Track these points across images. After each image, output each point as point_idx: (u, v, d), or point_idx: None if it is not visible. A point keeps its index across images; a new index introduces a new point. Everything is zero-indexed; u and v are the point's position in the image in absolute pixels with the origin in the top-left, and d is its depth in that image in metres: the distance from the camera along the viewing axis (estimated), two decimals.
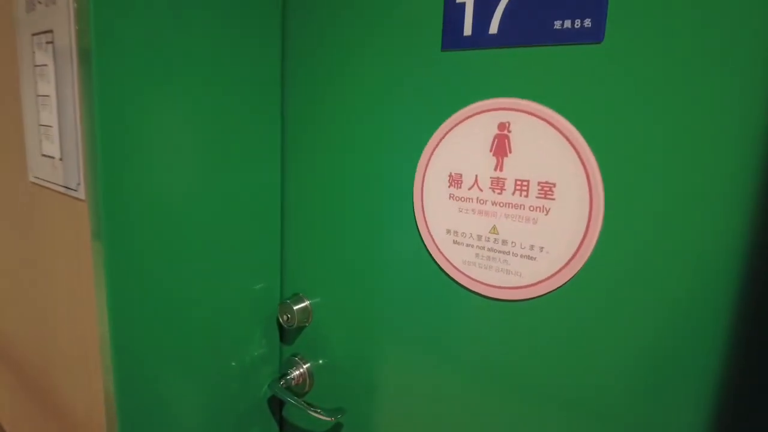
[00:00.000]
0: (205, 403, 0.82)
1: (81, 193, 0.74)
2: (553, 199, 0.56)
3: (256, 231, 0.84)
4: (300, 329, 0.87)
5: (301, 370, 0.87)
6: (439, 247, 0.66)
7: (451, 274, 0.66)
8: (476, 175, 0.62)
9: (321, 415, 0.78)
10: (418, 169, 0.67)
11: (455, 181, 0.64)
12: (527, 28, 0.56)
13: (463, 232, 0.64)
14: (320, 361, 0.86)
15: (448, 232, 0.65)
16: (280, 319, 0.85)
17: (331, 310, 0.83)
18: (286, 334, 0.91)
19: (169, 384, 0.76)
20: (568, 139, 0.55)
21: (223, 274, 0.80)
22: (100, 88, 0.60)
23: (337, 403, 0.84)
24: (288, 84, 0.81)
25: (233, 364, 0.85)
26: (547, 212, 0.57)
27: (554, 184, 0.56)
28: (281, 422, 0.94)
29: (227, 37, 0.72)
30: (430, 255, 0.68)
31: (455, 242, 0.65)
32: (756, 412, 0.48)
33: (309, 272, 0.85)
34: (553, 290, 0.58)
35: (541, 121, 0.56)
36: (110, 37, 0.60)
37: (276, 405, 0.93)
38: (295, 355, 0.89)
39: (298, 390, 0.88)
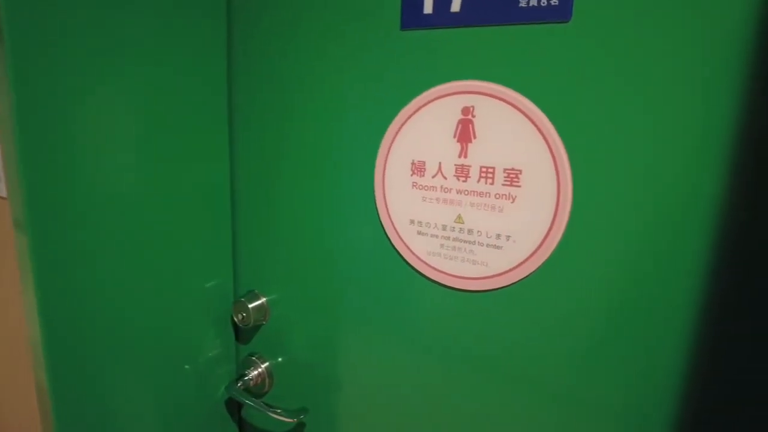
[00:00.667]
0: (156, 409, 0.76)
1: (2, 190, 0.66)
2: (519, 187, 0.54)
3: (205, 226, 0.78)
4: (257, 327, 0.83)
5: (260, 369, 0.83)
6: (403, 238, 0.63)
7: (415, 266, 0.63)
8: (440, 163, 0.59)
9: (282, 416, 0.74)
10: (378, 156, 0.64)
11: (418, 168, 0.61)
12: (491, 5, 0.53)
13: (428, 222, 0.61)
14: (279, 359, 0.82)
15: (412, 222, 0.62)
16: (235, 319, 0.80)
17: (289, 307, 0.79)
18: (242, 333, 0.86)
19: (114, 391, 0.70)
20: (534, 124, 0.52)
21: (170, 272, 0.74)
22: (15, 73, 0.53)
23: (299, 403, 0.80)
24: (235, 71, 0.75)
25: (186, 367, 0.80)
26: (513, 200, 0.55)
27: (520, 171, 0.54)
28: (241, 425, 0.90)
29: (166, 17, 0.65)
30: (393, 246, 0.65)
31: (419, 233, 0.62)
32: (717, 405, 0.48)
33: (264, 268, 0.80)
34: (521, 280, 0.56)
35: (507, 105, 0.54)
36: (25, 18, 0.53)
37: (234, 407, 0.88)
38: (252, 355, 0.84)
39: (257, 391, 0.84)
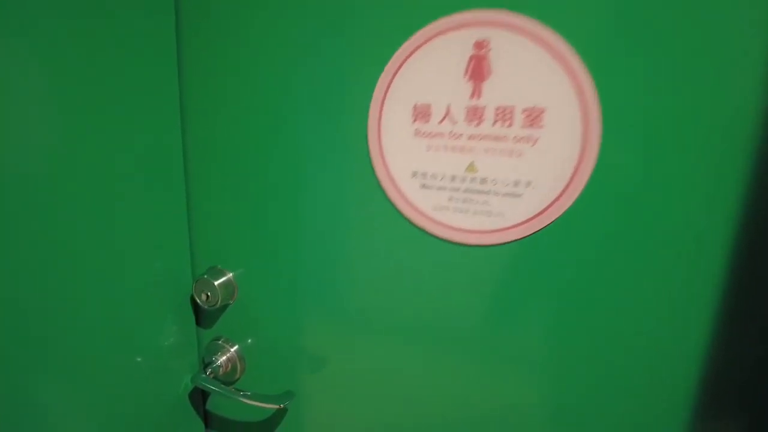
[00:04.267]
0: (106, 411, 0.64)
1: None
2: (542, 128, 0.50)
3: (153, 197, 0.66)
4: (222, 308, 0.73)
5: (228, 354, 0.73)
6: (404, 193, 0.57)
7: (418, 223, 0.57)
8: (448, 106, 0.53)
9: (265, 403, 0.66)
10: (373, 102, 0.56)
11: (422, 113, 0.54)
12: None
13: (434, 174, 0.55)
14: (249, 341, 0.73)
15: (415, 175, 0.56)
16: (198, 299, 0.70)
17: (261, 282, 0.70)
18: (203, 317, 0.75)
19: (52, 395, 0.58)
20: (559, 57, 0.48)
21: (113, 253, 0.61)
22: None
23: (275, 387, 0.72)
24: (185, 6, 0.62)
25: (138, 359, 0.68)
26: (534, 143, 0.51)
27: (543, 110, 0.50)
28: (206, 418, 0.80)
29: None
30: (392, 204, 0.58)
31: (423, 186, 0.56)
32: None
33: (227, 240, 0.70)
34: (540, 229, 0.52)
35: (527, 37, 0.49)
36: None
37: (198, 399, 0.78)
38: (217, 339, 0.74)
39: (227, 378, 0.74)
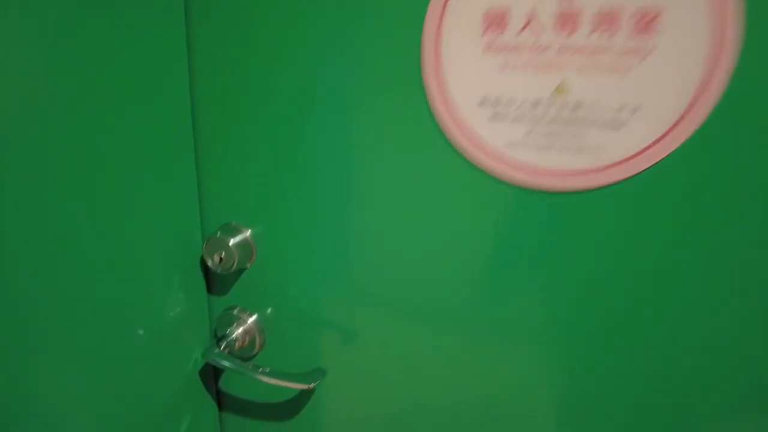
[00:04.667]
0: (105, 391, 0.54)
1: None
2: (656, 35, 0.39)
3: (154, 140, 0.54)
4: (237, 273, 0.62)
5: (245, 326, 0.63)
6: (467, 127, 0.46)
7: (486, 164, 0.46)
8: (531, 10, 0.41)
9: (292, 382, 0.56)
10: (429, 11, 0.45)
11: (495, 22, 0.43)
12: None
13: (510, 99, 0.44)
14: (269, 311, 0.63)
15: (483, 102, 0.45)
16: (210, 262, 0.59)
17: (284, 241, 0.59)
18: (215, 283, 0.65)
19: (41, 373, 0.48)
20: None
21: (108, 208, 0.51)
22: None
23: (298, 364, 0.62)
24: None
25: (140, 332, 0.58)
26: (646, 56, 0.39)
27: (659, 12, 0.38)
28: (219, 398, 0.70)
29: None
30: (451, 142, 0.47)
31: (495, 117, 0.45)
32: None
33: (243, 190, 0.59)
34: (649, 167, 0.42)
35: None
36: None
37: (210, 377, 0.68)
38: (231, 309, 0.64)
39: (244, 353, 0.64)
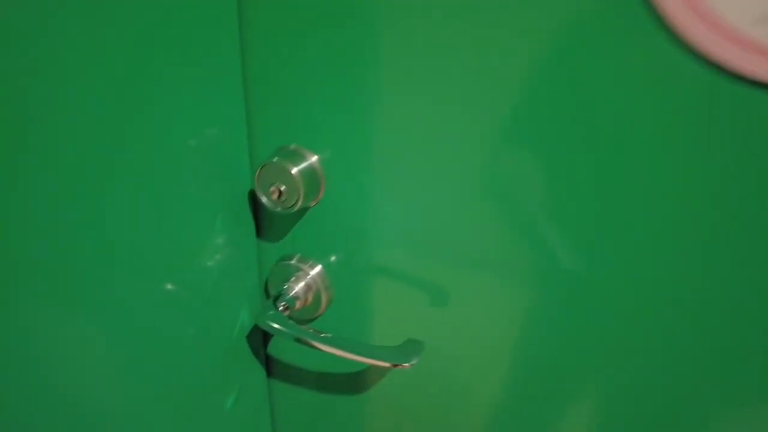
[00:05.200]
0: (130, 354, 0.41)
1: None
2: None
3: (189, 18, 0.37)
4: (299, 213, 0.47)
5: (307, 280, 0.49)
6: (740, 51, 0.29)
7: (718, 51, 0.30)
8: None
9: (385, 360, 0.42)
10: None
11: None
12: None
13: None
14: (339, 260, 0.48)
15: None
16: (264, 199, 0.44)
17: (364, 169, 0.43)
18: (267, 226, 0.50)
19: (51, 329, 0.34)
20: None
21: (132, 121, 0.35)
22: None
23: (373, 329, 0.49)
24: None
25: (169, 287, 0.43)
26: None
27: None
28: (268, 364, 0.57)
29: None
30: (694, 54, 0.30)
31: None
32: None
33: (310, 100, 0.43)
34: None
35: None
36: None
37: (258, 341, 0.55)
38: (288, 258, 0.49)
39: (304, 315, 0.51)
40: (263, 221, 0.49)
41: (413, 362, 0.42)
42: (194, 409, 0.50)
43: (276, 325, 0.45)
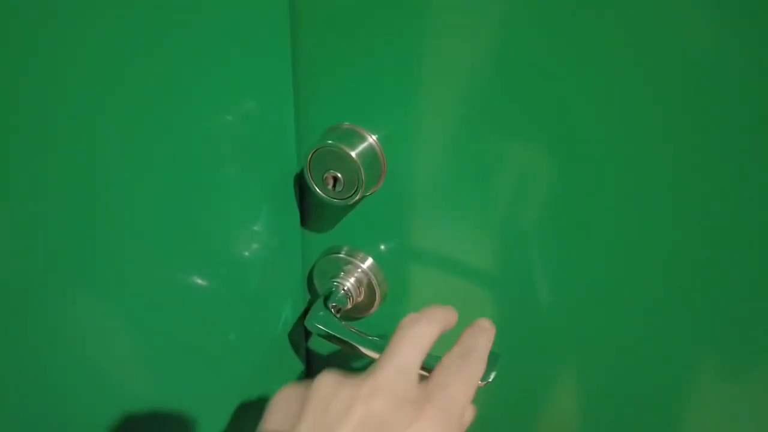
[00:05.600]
0: (159, 365, 0.36)
1: None
2: None
3: None
4: (356, 201, 0.41)
5: (358, 273, 0.43)
6: None
7: None
8: None
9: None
10: None
11: None
12: None
13: None
14: (386, 249, 0.43)
15: None
16: (318, 190, 0.38)
17: (429, 149, 0.37)
18: (314, 214, 0.44)
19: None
20: None
21: (168, 90, 0.28)
22: None
23: None
24: None
25: (205, 281, 0.38)
26: None
27: None
28: (308, 359, 0.53)
29: None
30: None
31: None
32: None
33: (366, 70, 0.36)
34: None
35: None
36: None
37: (300, 336, 0.50)
38: (336, 250, 0.44)
39: (354, 313, 0.45)
40: (308, 208, 0.43)
41: (490, 379, 0.37)
42: (233, 408, 0.45)
43: (329, 330, 0.40)
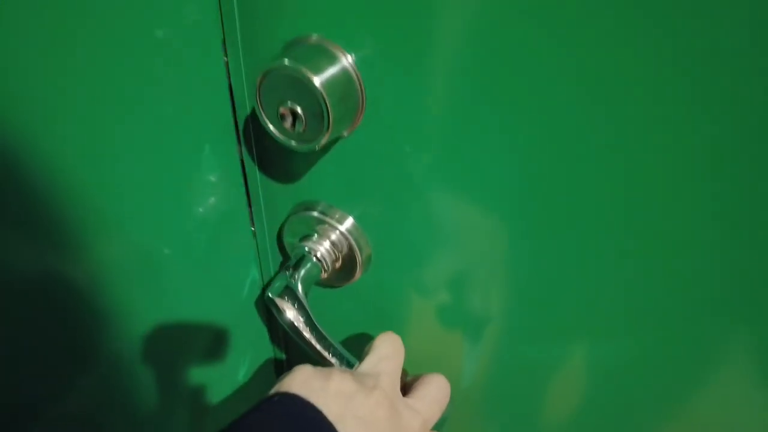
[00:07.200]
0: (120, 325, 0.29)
1: None
2: None
3: None
4: (329, 143, 0.31)
5: (336, 235, 0.34)
6: None
7: None
8: None
9: None
10: None
11: None
12: None
13: None
14: (371, 207, 0.34)
15: None
16: (272, 127, 0.28)
17: (424, 76, 0.27)
18: (278, 160, 0.34)
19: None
20: None
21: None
22: None
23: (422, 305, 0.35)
24: None
25: (167, 252, 0.30)
26: None
27: None
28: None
29: None
30: None
31: None
32: None
33: None
34: None
35: None
36: None
37: (263, 311, 0.42)
38: (310, 207, 0.34)
39: (331, 282, 0.37)
40: (271, 154, 0.34)
41: None
42: (203, 383, 0.39)
43: (287, 312, 0.32)
